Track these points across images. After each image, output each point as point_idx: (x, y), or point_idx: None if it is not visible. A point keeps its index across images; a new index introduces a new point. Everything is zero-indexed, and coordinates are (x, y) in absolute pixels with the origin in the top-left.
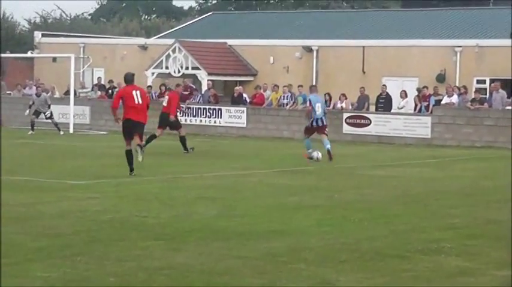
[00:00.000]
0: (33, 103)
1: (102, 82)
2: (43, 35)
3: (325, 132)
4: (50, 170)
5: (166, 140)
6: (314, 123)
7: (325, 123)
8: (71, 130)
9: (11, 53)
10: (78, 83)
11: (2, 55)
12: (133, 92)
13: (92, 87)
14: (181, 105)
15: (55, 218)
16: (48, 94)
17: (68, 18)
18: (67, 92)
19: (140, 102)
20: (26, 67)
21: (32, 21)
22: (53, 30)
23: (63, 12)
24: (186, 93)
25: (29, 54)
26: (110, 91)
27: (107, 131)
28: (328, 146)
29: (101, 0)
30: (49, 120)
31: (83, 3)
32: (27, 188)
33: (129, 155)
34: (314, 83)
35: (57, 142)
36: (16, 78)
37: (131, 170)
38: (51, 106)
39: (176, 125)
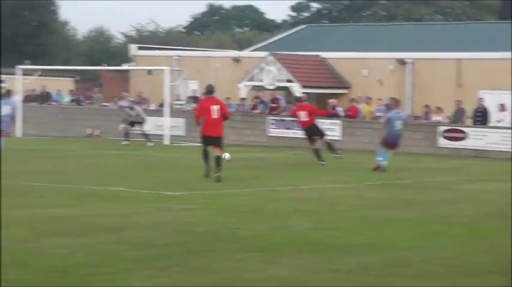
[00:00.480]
0: (128, 117)
1: (197, 94)
2: (139, 48)
3: (394, 149)
4: (145, 181)
5: (259, 152)
6: (389, 139)
7: (398, 142)
8: (167, 142)
9: (107, 65)
10: (173, 96)
11: (99, 67)
12: (212, 107)
13: (187, 100)
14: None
15: (150, 229)
16: (143, 107)
17: (163, 32)
18: (162, 104)
19: (217, 116)
20: (121, 79)
21: (128, 34)
22: (147, 43)
23: (158, 25)
24: (274, 105)
25: (124, 67)
26: None
27: (199, 143)
28: (385, 162)
29: (195, 14)
30: (139, 131)
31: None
32: (122, 199)
33: (205, 154)
34: (409, 96)
35: (152, 153)
36: (112, 91)
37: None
38: (146, 118)
39: (321, 133)
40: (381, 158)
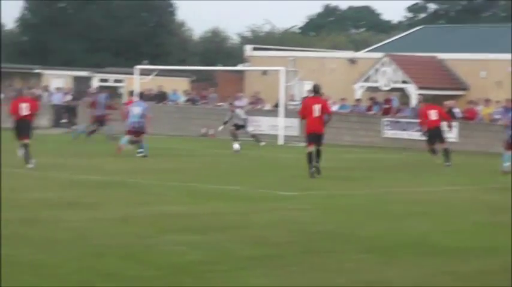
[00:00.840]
0: (230, 119)
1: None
2: (254, 49)
3: None
4: (260, 181)
5: (374, 153)
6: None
7: None
8: (281, 142)
9: (223, 66)
10: (288, 96)
11: (214, 68)
12: (313, 106)
13: (301, 100)
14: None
15: (266, 228)
16: (257, 107)
17: (278, 33)
18: (277, 105)
19: (318, 115)
20: (236, 80)
21: (243, 35)
22: (262, 44)
23: (273, 26)
24: (387, 106)
25: (239, 67)
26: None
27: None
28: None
29: (311, 15)
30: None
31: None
32: (238, 198)
33: (309, 156)
34: None
35: (266, 153)
36: (227, 91)
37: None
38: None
39: (442, 138)
40: (508, 163)
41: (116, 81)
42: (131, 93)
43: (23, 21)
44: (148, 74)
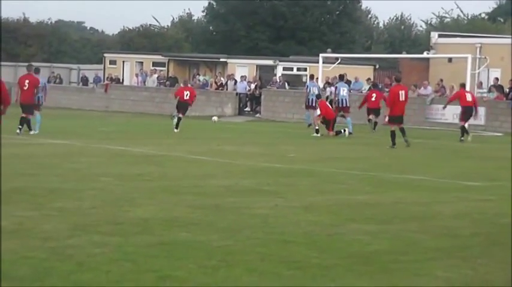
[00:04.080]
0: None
1: (499, 83)
2: (439, 36)
3: None
4: (443, 170)
5: None
6: None
7: None
8: None
9: (407, 53)
10: (476, 84)
11: (399, 55)
12: (400, 92)
13: (489, 88)
14: None
15: (452, 219)
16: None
17: (465, 18)
18: None
19: (403, 99)
20: (421, 67)
21: (429, 22)
22: (448, 31)
23: (462, 11)
24: None
25: (424, 54)
26: (508, 91)
27: (502, 133)
28: None
29: (500, 0)
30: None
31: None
32: (422, 188)
33: (393, 134)
34: None
35: (449, 143)
36: (412, 79)
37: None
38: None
39: None
40: None
41: (299, 69)
42: (311, 76)
43: (210, 11)
44: (332, 63)
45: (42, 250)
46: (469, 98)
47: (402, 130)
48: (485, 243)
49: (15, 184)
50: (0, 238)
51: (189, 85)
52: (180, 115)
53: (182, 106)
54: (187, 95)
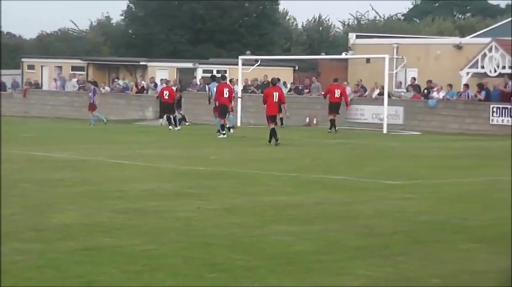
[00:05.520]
0: None
1: (416, 82)
2: (357, 37)
3: None
4: (364, 170)
5: (482, 141)
6: None
7: None
8: (385, 130)
9: (326, 54)
10: (394, 84)
11: (318, 57)
12: (273, 93)
13: (406, 88)
14: None
15: (373, 218)
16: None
17: (382, 19)
18: (380, 93)
19: (277, 100)
20: (340, 68)
21: (346, 23)
22: (365, 32)
23: (377, 13)
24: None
25: (343, 55)
26: (426, 91)
27: (420, 132)
28: None
29: (415, 1)
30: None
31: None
32: (344, 188)
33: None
34: None
35: (370, 142)
36: (330, 80)
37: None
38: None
39: None
40: None
41: (219, 72)
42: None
43: (129, 14)
44: (252, 65)
45: None
46: (337, 94)
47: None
48: (405, 241)
49: None
50: (0, 239)
51: (170, 85)
52: (171, 115)
53: (165, 107)
54: (166, 94)
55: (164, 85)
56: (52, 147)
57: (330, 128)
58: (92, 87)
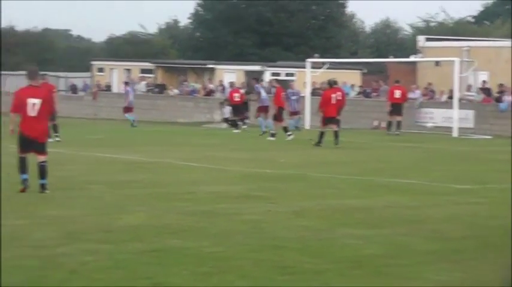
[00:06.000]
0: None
1: (487, 85)
2: (427, 39)
3: None
4: (435, 174)
5: None
6: None
7: None
8: (455, 134)
9: (394, 57)
10: (463, 87)
11: (386, 60)
12: (331, 95)
13: (477, 91)
14: None
15: (443, 222)
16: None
17: (451, 22)
18: (451, 96)
19: (335, 102)
20: (408, 71)
21: (415, 25)
22: (435, 35)
23: (447, 15)
24: None
25: (412, 58)
26: (497, 94)
27: (491, 136)
28: None
29: (488, 1)
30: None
31: (467, 6)
32: (413, 191)
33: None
34: None
35: (440, 146)
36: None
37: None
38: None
39: None
40: None
41: (288, 74)
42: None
43: (196, 18)
44: (319, 67)
45: (34, 259)
46: (397, 95)
47: (336, 133)
48: (476, 246)
49: (6, 193)
50: (0, 242)
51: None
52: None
53: (237, 109)
54: (236, 97)
55: (232, 88)
56: (120, 149)
57: (389, 129)
58: (128, 88)
